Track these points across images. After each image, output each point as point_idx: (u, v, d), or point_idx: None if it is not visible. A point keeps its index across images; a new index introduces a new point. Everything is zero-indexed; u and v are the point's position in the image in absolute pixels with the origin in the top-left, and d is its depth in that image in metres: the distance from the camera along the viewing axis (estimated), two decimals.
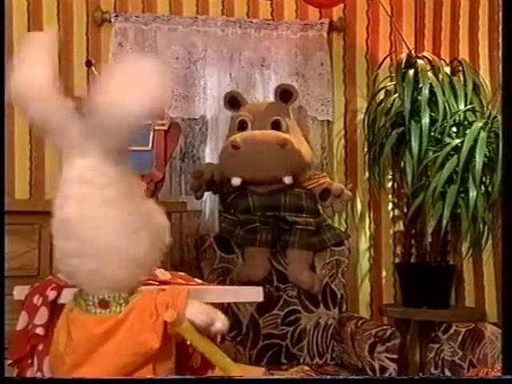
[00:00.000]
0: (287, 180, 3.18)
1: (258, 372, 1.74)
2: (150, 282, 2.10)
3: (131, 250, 1.68)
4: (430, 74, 3.37)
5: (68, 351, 1.77)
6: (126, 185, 1.70)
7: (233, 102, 3.38)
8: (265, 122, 3.25)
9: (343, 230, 3.53)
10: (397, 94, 3.44)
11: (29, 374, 1.95)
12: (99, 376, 1.68)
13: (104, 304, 1.72)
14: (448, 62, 3.54)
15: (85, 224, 1.67)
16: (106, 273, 1.70)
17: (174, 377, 1.63)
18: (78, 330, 1.76)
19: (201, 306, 1.70)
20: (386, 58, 3.66)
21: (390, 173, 3.66)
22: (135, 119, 1.62)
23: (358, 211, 3.71)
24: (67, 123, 1.67)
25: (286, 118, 3.29)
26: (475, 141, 3.12)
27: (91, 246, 1.67)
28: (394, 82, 3.51)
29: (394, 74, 3.54)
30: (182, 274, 2.28)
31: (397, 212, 3.72)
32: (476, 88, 3.40)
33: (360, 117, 3.69)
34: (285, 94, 3.31)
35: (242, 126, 3.28)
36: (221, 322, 1.69)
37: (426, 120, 3.29)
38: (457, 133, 3.32)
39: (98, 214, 1.67)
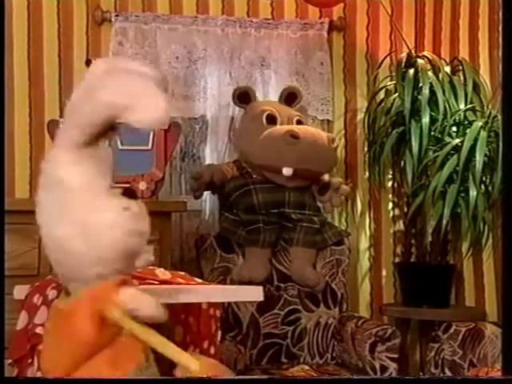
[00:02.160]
0: (326, 177, 3.27)
1: (211, 363, 1.72)
2: (151, 281, 2.10)
3: (65, 242, 1.69)
4: (430, 73, 3.38)
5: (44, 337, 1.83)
6: (78, 175, 1.70)
7: (243, 97, 3.37)
8: (290, 119, 3.30)
9: (343, 228, 3.53)
10: (397, 94, 3.44)
11: (29, 373, 1.95)
12: (50, 367, 1.73)
13: (67, 293, 1.77)
14: (448, 61, 3.54)
15: (36, 209, 1.73)
16: (56, 262, 1.74)
17: (174, 377, 1.63)
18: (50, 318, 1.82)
19: (129, 291, 1.70)
20: (386, 57, 3.66)
21: (390, 172, 3.66)
22: (111, 113, 1.65)
23: (359, 210, 3.71)
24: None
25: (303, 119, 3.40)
26: (475, 140, 3.12)
27: (41, 232, 1.73)
28: (394, 82, 3.51)
29: (394, 74, 3.54)
30: (182, 273, 2.29)
31: (397, 211, 3.72)
32: (476, 87, 3.40)
33: (360, 116, 3.69)
34: (290, 97, 3.38)
35: (272, 120, 3.28)
36: (149, 306, 1.68)
37: (426, 119, 3.29)
38: (457, 132, 3.32)
39: (42, 201, 1.71)
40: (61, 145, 1.71)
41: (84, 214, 1.68)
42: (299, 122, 3.31)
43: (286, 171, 3.17)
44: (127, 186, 1.87)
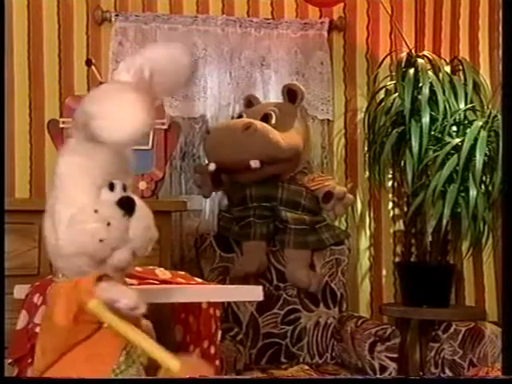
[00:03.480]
0: (253, 164, 3.13)
1: (188, 361, 1.71)
2: (151, 281, 2.11)
3: (44, 231, 1.77)
4: (430, 73, 3.37)
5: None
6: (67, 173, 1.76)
7: (248, 104, 3.42)
8: (255, 116, 3.25)
9: (343, 229, 3.53)
10: (397, 93, 3.44)
11: (29, 373, 1.95)
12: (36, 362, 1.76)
13: None
14: (448, 61, 3.54)
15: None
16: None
17: (174, 377, 1.62)
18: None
19: (109, 284, 1.71)
20: (386, 57, 3.66)
21: (390, 172, 3.66)
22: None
23: (358, 210, 3.71)
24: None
25: (282, 115, 3.26)
26: (475, 140, 3.12)
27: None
28: (394, 81, 3.51)
29: (394, 73, 3.54)
30: (182, 273, 2.29)
31: (397, 211, 3.72)
32: (476, 87, 3.39)
33: (360, 116, 3.69)
34: (291, 94, 3.32)
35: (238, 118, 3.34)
36: (126, 298, 1.67)
37: (426, 119, 3.28)
38: (457, 132, 3.32)
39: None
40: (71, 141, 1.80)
41: (64, 207, 1.75)
42: (265, 117, 3.23)
43: (210, 166, 3.21)
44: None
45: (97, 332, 1.71)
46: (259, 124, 3.15)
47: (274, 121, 3.22)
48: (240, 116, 3.33)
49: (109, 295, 1.67)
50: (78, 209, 1.71)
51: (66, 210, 1.71)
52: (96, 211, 1.70)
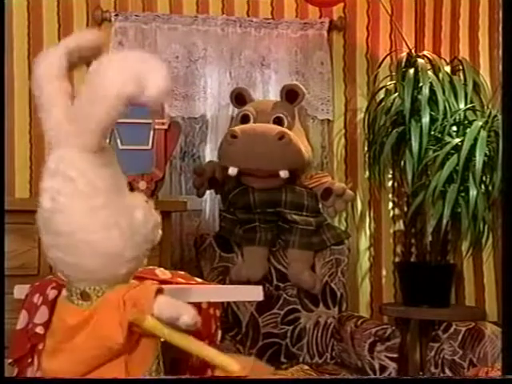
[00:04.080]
0: (283, 174, 3.16)
1: (247, 362, 1.72)
2: (151, 281, 2.10)
3: (101, 245, 1.67)
4: (430, 73, 3.38)
5: (48, 336, 1.79)
6: (101, 178, 1.69)
7: (239, 98, 3.39)
8: (267, 118, 3.25)
9: (343, 229, 3.53)
10: (397, 93, 3.44)
11: (29, 373, 1.95)
12: (68, 366, 1.71)
13: (85, 296, 1.72)
14: (448, 61, 3.54)
15: (57, 217, 1.68)
16: (82, 266, 1.70)
17: (173, 377, 1.63)
18: (57, 318, 1.79)
19: (167, 301, 1.70)
20: (386, 57, 3.66)
21: (390, 172, 3.66)
22: (123, 102, 1.62)
23: (358, 210, 3.71)
24: (53, 104, 1.68)
25: (289, 117, 3.29)
26: (475, 140, 3.12)
27: (65, 238, 1.68)
28: (394, 81, 3.51)
29: (394, 73, 3.54)
30: (182, 273, 2.29)
31: (397, 211, 3.72)
32: (476, 87, 3.40)
33: (360, 116, 3.69)
34: (291, 94, 3.30)
35: (245, 120, 3.28)
36: (187, 316, 1.66)
37: (426, 119, 3.28)
38: (457, 132, 3.32)
39: (68, 207, 1.67)
40: (79, 149, 1.68)
41: (118, 216, 1.67)
42: (277, 120, 3.24)
43: (231, 170, 3.17)
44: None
45: (136, 341, 1.70)
46: (292, 134, 3.18)
47: (285, 125, 3.25)
48: (245, 116, 3.29)
49: (170, 314, 1.66)
50: (140, 209, 1.70)
51: (131, 214, 1.69)
52: (147, 201, 1.74)
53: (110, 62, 1.68)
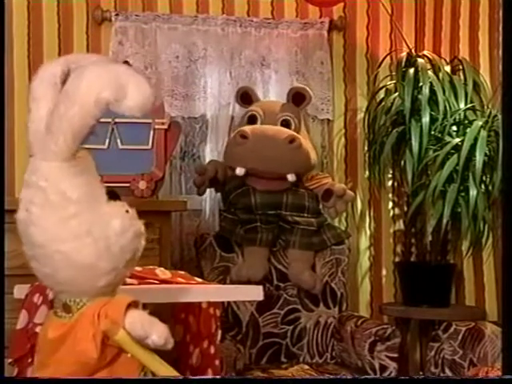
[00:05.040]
0: (290, 177, 3.18)
1: None
2: (151, 281, 2.10)
3: (74, 256, 1.63)
4: (430, 72, 3.38)
5: (36, 350, 1.77)
6: (74, 187, 1.64)
7: (244, 97, 3.39)
8: (274, 120, 3.26)
9: (343, 228, 3.53)
10: (397, 93, 3.44)
11: (29, 372, 1.95)
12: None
13: (67, 308, 1.68)
14: (448, 60, 3.54)
15: (31, 227, 1.65)
16: (58, 277, 1.66)
17: (174, 377, 1.62)
18: (42, 331, 1.76)
19: (139, 317, 1.64)
20: (386, 56, 3.66)
21: (391, 172, 3.66)
22: (101, 108, 1.58)
23: (359, 210, 3.71)
24: (37, 112, 1.67)
25: (296, 120, 3.30)
26: (475, 139, 3.12)
27: (40, 249, 1.64)
28: (394, 81, 3.51)
29: (394, 73, 3.54)
30: (182, 272, 2.29)
31: (397, 211, 3.72)
32: (476, 87, 3.40)
33: (360, 115, 3.69)
34: (298, 97, 3.31)
35: (252, 120, 3.28)
36: (156, 335, 1.61)
37: (426, 119, 3.29)
38: (457, 131, 3.32)
39: (40, 218, 1.64)
40: (51, 158, 1.63)
41: (92, 225, 1.63)
42: (285, 123, 3.25)
43: (239, 171, 3.17)
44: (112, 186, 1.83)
45: (117, 355, 1.67)
46: (301, 138, 3.20)
47: (293, 127, 3.26)
48: (253, 116, 3.28)
49: (139, 332, 1.61)
50: (118, 218, 1.66)
51: (107, 224, 1.65)
52: (127, 211, 1.68)
53: (89, 67, 1.63)
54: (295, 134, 3.20)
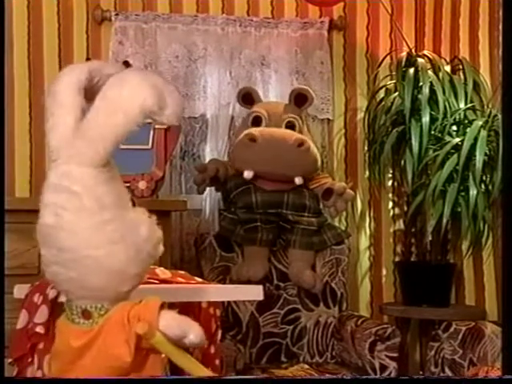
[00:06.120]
0: (298, 180, 3.20)
1: None
2: (151, 280, 2.10)
3: (106, 261, 1.64)
4: (430, 72, 3.38)
5: (52, 358, 1.77)
6: (107, 193, 1.65)
7: (246, 98, 3.39)
8: (279, 121, 3.27)
9: (343, 228, 3.54)
10: (397, 93, 3.44)
11: (29, 372, 1.96)
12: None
13: (86, 314, 1.67)
14: (448, 60, 3.54)
15: (61, 232, 1.64)
16: (85, 282, 1.65)
17: (173, 377, 1.62)
18: (60, 339, 1.74)
19: (173, 317, 1.65)
20: (386, 56, 3.66)
21: (391, 171, 3.66)
22: (143, 116, 1.60)
23: (359, 210, 3.71)
24: (63, 117, 1.67)
25: (300, 121, 3.31)
26: (475, 139, 3.12)
27: (68, 254, 1.64)
28: (394, 81, 3.51)
29: (394, 73, 3.54)
30: (182, 272, 2.29)
31: (397, 210, 3.73)
32: (476, 86, 3.40)
33: (360, 115, 3.69)
34: (300, 98, 3.32)
35: (256, 121, 3.28)
36: (193, 334, 1.62)
37: (426, 118, 3.29)
38: (457, 131, 3.32)
39: (72, 223, 1.63)
40: (86, 163, 1.63)
41: (124, 231, 1.64)
42: (290, 125, 3.26)
43: (247, 174, 3.17)
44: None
45: (146, 357, 1.68)
46: (309, 141, 3.21)
47: (297, 129, 3.27)
48: (257, 117, 3.28)
49: (177, 332, 1.62)
50: (144, 225, 1.68)
51: (136, 230, 1.66)
52: (149, 217, 1.70)
53: (130, 76, 1.64)
54: (303, 137, 3.22)
